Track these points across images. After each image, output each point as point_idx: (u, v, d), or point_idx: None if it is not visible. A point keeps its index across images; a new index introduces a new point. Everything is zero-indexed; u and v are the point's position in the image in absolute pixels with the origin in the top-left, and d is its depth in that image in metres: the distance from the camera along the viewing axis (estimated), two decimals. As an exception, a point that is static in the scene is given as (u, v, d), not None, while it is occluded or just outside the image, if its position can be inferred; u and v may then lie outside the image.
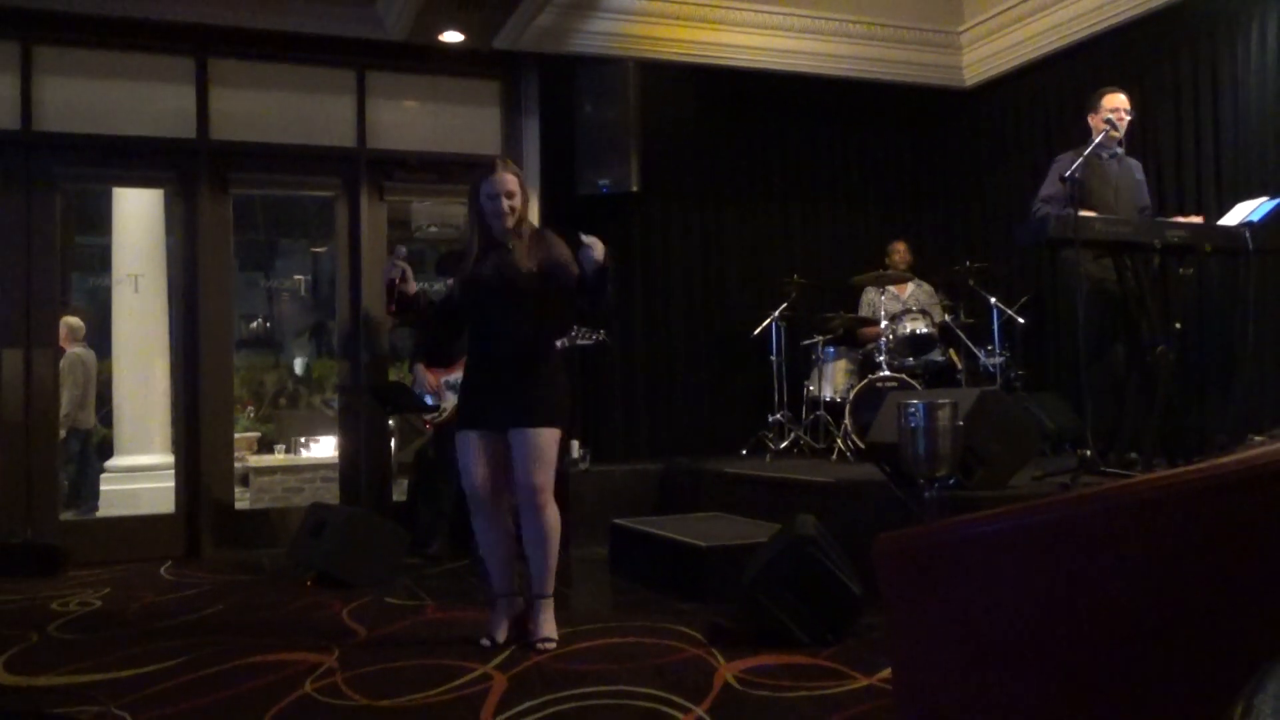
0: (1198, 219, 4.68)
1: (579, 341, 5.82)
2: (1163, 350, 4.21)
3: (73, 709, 2.90)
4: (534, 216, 6.75)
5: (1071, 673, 1.34)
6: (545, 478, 3.61)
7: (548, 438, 3.60)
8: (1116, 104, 4.85)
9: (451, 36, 6.24)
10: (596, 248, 3.42)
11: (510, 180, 3.63)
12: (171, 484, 6.29)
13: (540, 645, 3.56)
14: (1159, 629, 1.24)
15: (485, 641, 3.63)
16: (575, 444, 6.40)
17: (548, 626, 3.65)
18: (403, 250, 3.80)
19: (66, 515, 6.59)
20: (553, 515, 3.67)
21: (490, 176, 3.63)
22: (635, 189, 6.61)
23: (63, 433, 6.62)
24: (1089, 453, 4.09)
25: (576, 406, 3.61)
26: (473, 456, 3.66)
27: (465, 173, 6.86)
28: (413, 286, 3.72)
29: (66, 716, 2.68)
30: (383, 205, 6.70)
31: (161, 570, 5.52)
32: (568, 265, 3.61)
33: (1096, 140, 4.58)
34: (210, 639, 3.83)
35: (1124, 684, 1.28)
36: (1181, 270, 4.37)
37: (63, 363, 6.36)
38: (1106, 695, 1.30)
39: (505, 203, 3.61)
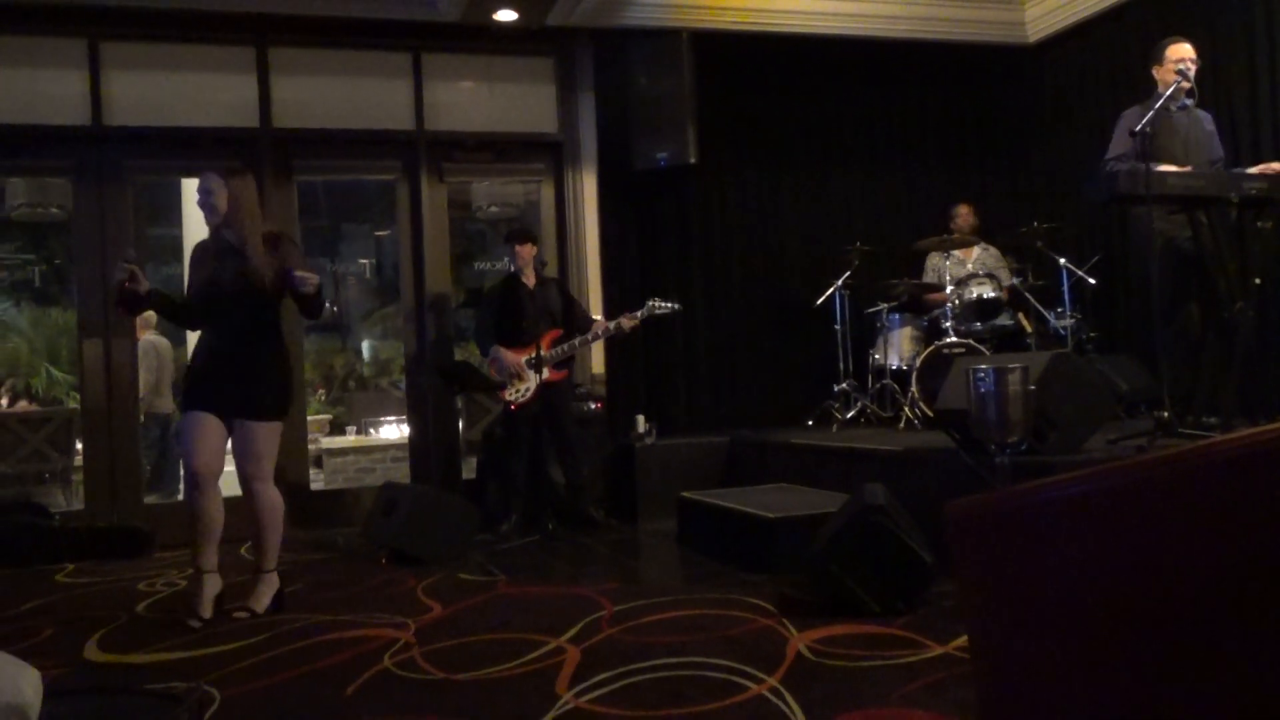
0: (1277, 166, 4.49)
1: (656, 311, 5.87)
2: (1241, 307, 4.08)
3: (165, 685, 3.00)
4: (592, 193, 6.77)
5: (1153, 638, 1.31)
6: (261, 466, 3.95)
7: (267, 430, 3.94)
8: (1182, 54, 4.68)
9: (505, 15, 6.25)
10: (309, 282, 3.85)
11: (210, 179, 3.94)
12: (248, 467, 6.44)
13: (236, 613, 3.88)
14: (1247, 593, 1.21)
15: (194, 622, 3.77)
16: (640, 419, 6.43)
17: (254, 599, 3.97)
18: (131, 254, 3.98)
19: (150, 499, 6.79)
20: (269, 497, 3.99)
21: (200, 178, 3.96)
22: (693, 161, 6.56)
23: (141, 417, 6.81)
24: (1166, 414, 3.99)
25: (291, 393, 4.16)
26: (199, 436, 3.87)
27: (523, 151, 6.96)
28: (144, 285, 3.86)
29: (160, 692, 2.78)
30: (443, 186, 6.76)
31: (242, 550, 5.66)
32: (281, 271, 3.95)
33: (1168, 92, 4.43)
34: (290, 616, 3.93)
35: (1208, 650, 1.25)
36: (1260, 224, 4.22)
37: (138, 349, 6.54)
38: (1190, 660, 1.27)
39: (207, 199, 3.92)
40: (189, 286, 4.09)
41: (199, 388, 3.93)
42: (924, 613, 3.45)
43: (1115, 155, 4.66)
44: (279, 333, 4.08)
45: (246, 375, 3.90)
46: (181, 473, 7.85)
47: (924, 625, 3.29)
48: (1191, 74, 4.61)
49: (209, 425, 3.88)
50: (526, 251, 5.89)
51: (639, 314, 5.87)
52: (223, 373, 3.89)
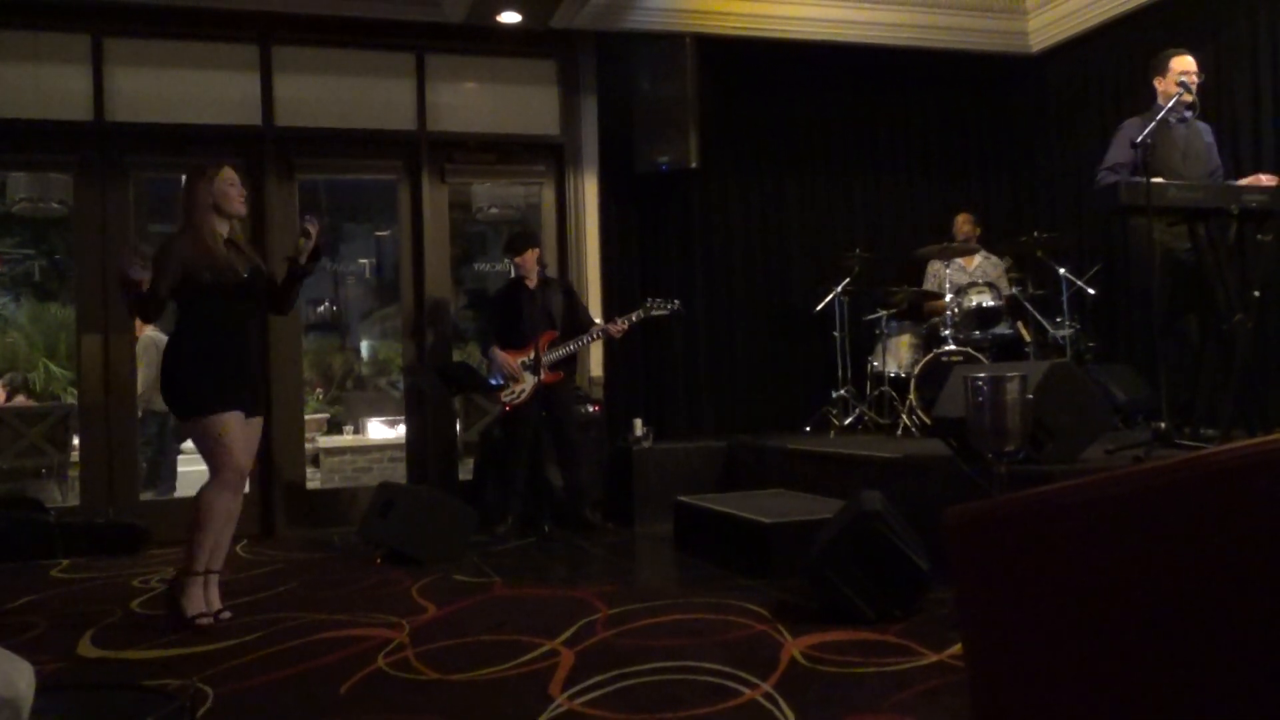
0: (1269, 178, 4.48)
1: (654, 312, 5.86)
2: (1240, 319, 4.08)
3: (159, 681, 3.00)
4: (593, 196, 6.78)
5: (1149, 648, 1.31)
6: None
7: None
8: (1187, 66, 4.69)
9: (509, 17, 6.25)
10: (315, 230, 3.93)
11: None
12: (245, 465, 6.43)
13: (220, 617, 3.81)
14: (1243, 603, 1.21)
15: (207, 620, 3.72)
16: (638, 422, 6.42)
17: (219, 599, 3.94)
18: (145, 250, 3.90)
19: (146, 495, 6.78)
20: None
21: (222, 171, 3.89)
22: (694, 165, 6.56)
23: (139, 414, 6.80)
24: (1164, 425, 3.99)
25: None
26: (244, 438, 3.89)
27: (525, 153, 6.96)
28: (146, 281, 3.75)
29: (153, 689, 2.77)
30: (444, 187, 6.76)
31: (237, 549, 5.67)
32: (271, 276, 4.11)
33: (1169, 105, 4.44)
34: (285, 615, 3.93)
35: (1205, 659, 1.25)
36: (1260, 236, 4.23)
37: (137, 346, 6.54)
38: (1186, 670, 1.27)
39: (241, 193, 3.93)
40: (181, 283, 3.83)
41: (233, 387, 3.84)
42: (919, 620, 3.45)
43: (1111, 164, 4.67)
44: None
45: (258, 372, 4.07)
46: (179, 470, 7.90)
47: (919, 632, 3.29)
48: (1194, 87, 4.62)
49: (249, 427, 3.91)
50: (527, 260, 5.91)
51: (631, 316, 5.87)
52: (246, 371, 3.93)
